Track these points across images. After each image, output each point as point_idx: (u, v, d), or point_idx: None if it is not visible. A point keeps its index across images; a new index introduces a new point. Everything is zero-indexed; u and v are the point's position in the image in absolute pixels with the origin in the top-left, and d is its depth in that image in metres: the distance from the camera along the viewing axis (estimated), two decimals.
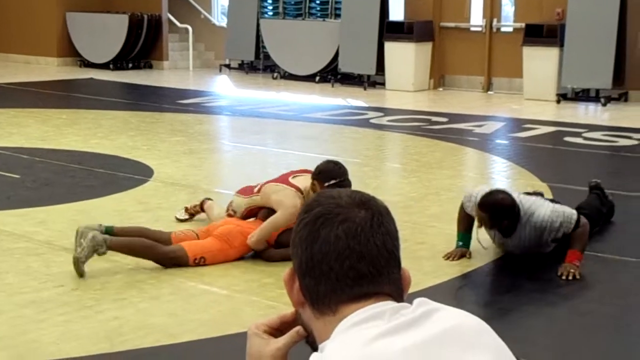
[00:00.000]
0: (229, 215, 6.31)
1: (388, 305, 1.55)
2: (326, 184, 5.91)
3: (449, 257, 6.05)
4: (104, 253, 5.60)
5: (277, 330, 1.71)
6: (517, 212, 5.77)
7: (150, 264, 5.72)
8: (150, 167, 8.75)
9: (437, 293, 5.47)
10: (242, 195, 6.31)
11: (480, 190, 6.04)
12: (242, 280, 5.61)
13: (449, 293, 5.55)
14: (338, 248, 1.56)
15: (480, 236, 6.05)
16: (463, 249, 6.13)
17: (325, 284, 1.56)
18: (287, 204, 5.91)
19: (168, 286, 5.46)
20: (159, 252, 5.71)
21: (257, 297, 5.27)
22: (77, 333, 4.70)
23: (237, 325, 4.82)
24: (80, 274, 5.49)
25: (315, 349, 1.64)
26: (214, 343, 4.65)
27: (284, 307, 4.92)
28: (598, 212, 6.62)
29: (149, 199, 7.56)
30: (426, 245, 6.32)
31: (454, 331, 1.52)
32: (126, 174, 8.49)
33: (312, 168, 6.06)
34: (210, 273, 5.68)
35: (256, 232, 5.90)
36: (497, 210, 5.74)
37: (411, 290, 4.97)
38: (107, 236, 5.69)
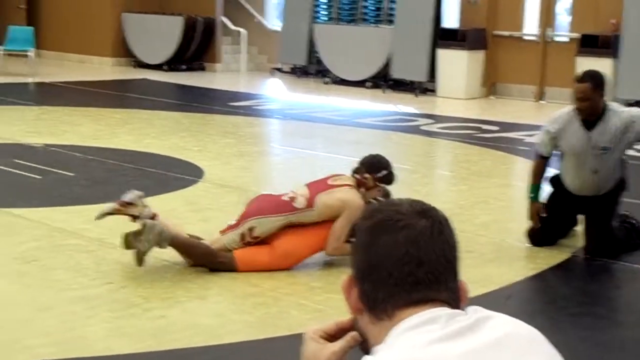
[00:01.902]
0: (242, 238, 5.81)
1: (444, 311, 1.56)
2: (378, 175, 5.97)
3: (533, 227, 6.36)
4: (164, 247, 5.58)
5: (332, 337, 1.73)
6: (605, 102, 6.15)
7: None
8: (201, 167, 8.81)
9: (484, 302, 5.44)
10: (268, 215, 5.80)
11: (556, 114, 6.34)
12: (289, 283, 5.63)
13: (496, 302, 5.51)
14: (397, 254, 1.57)
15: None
16: (536, 204, 6.32)
17: (383, 290, 1.58)
18: (354, 202, 5.81)
19: (215, 287, 5.50)
20: (215, 261, 5.67)
21: (305, 301, 5.28)
22: (125, 330, 4.75)
23: (284, 328, 4.85)
24: (140, 264, 5.54)
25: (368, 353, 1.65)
26: (260, 345, 4.67)
27: (331, 311, 4.96)
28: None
29: (198, 200, 7.61)
30: (475, 254, 6.29)
31: (508, 339, 1.53)
32: (177, 174, 8.56)
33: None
34: (258, 275, 5.70)
35: (332, 242, 5.80)
36: (597, 77, 6.06)
37: None
38: (173, 233, 5.65)
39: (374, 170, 5.99)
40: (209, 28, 18.61)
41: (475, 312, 1.57)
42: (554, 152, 6.40)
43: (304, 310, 5.13)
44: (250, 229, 5.80)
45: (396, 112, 13.73)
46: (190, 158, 9.31)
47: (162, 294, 5.30)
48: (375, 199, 5.93)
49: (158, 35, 18.40)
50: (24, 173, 8.28)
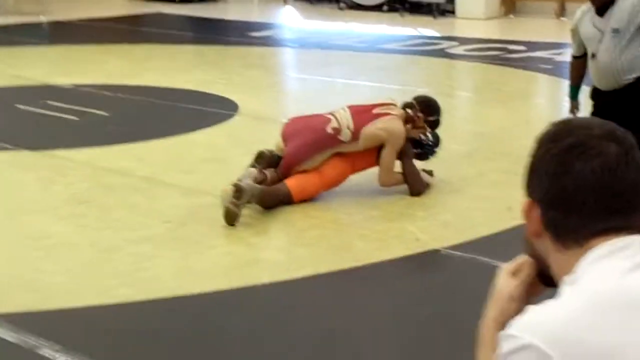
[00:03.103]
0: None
1: (636, 238, 1.53)
2: (430, 118, 6.00)
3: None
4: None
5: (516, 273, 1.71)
6: None
7: None
8: (234, 100, 8.72)
9: None
10: (314, 154, 5.77)
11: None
12: (347, 214, 5.59)
13: None
14: (593, 182, 1.53)
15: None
16: (575, 102, 6.36)
17: (576, 218, 1.55)
18: (396, 131, 5.82)
19: (274, 221, 5.46)
20: (276, 200, 5.60)
21: (366, 231, 5.25)
22: (193, 269, 4.73)
23: (350, 259, 4.83)
24: (232, 224, 5.28)
25: (547, 281, 1.63)
26: (329, 278, 4.64)
27: (394, 240, 4.93)
28: None
29: (239, 133, 7.56)
30: None
31: None
32: (211, 108, 8.48)
33: (395, 99, 6.06)
34: (315, 207, 5.67)
35: (383, 175, 5.83)
36: None
37: (520, 222, 4.92)
38: (260, 187, 5.52)
39: (428, 112, 6.04)
40: None
41: None
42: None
43: (368, 240, 5.11)
44: (303, 170, 5.79)
45: (417, 35, 13.56)
46: (220, 91, 9.21)
47: (222, 231, 5.26)
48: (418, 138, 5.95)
49: None
50: (59, 114, 8.21)
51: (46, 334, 3.96)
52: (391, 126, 5.84)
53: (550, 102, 9.07)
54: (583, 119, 1.64)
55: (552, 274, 1.61)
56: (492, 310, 1.73)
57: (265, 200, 5.54)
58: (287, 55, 12.81)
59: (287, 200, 5.62)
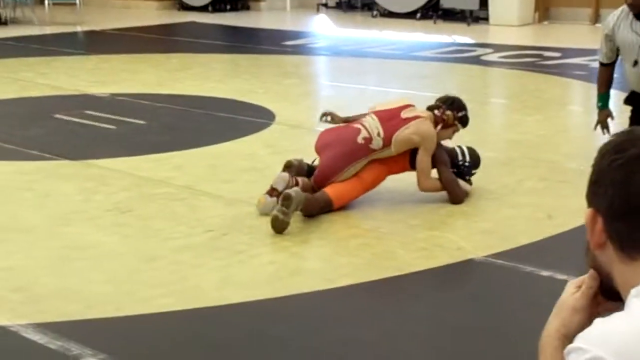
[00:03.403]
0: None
1: None
2: (459, 114, 6.04)
3: (597, 126, 6.38)
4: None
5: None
6: None
7: None
8: (271, 110, 8.75)
9: (585, 233, 5.40)
10: (348, 166, 5.77)
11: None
12: (388, 222, 5.58)
13: None
14: None
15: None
16: (605, 111, 6.37)
17: None
18: (428, 134, 5.82)
19: (316, 230, 5.46)
20: (317, 207, 5.61)
21: (408, 239, 5.25)
22: (236, 278, 4.74)
23: (393, 268, 4.83)
24: (281, 232, 5.28)
25: (609, 294, 1.62)
26: (373, 287, 4.64)
27: (436, 249, 4.93)
28: None
29: (276, 142, 7.58)
30: (568, 184, 6.22)
31: None
32: (249, 117, 8.51)
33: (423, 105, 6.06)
34: (355, 216, 5.68)
35: (422, 180, 5.82)
36: None
37: (561, 230, 4.83)
38: (305, 194, 5.50)
39: (456, 109, 6.05)
40: None
41: None
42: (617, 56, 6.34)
43: (409, 249, 5.10)
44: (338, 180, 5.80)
45: (452, 42, 13.55)
46: (257, 100, 9.24)
47: (264, 240, 5.28)
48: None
49: None
50: (97, 124, 8.27)
51: (90, 343, 3.99)
52: (422, 129, 5.84)
53: (586, 109, 9.00)
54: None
55: (616, 287, 1.60)
56: (554, 322, 1.72)
57: (309, 208, 5.55)
58: (321, 63, 12.83)
59: (327, 207, 5.63)
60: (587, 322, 1.56)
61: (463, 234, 5.32)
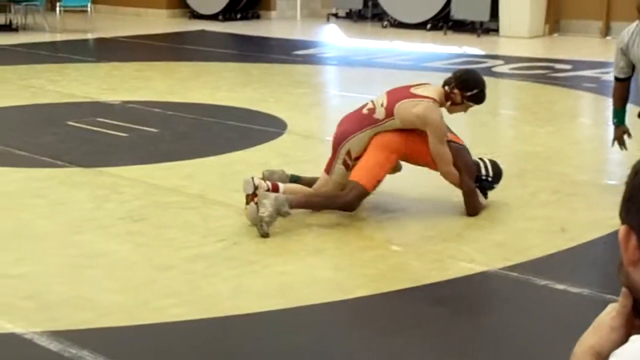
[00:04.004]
0: (346, 166, 5.82)
1: None
2: (468, 94, 5.83)
3: (615, 142, 6.30)
4: (287, 213, 5.41)
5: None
6: None
7: (302, 216, 5.72)
8: (282, 119, 8.74)
9: (597, 247, 5.39)
10: (355, 133, 5.78)
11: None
12: (402, 233, 5.58)
13: (611, 246, 5.44)
14: None
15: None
16: (622, 127, 6.29)
17: None
18: (433, 121, 5.66)
19: (329, 239, 5.45)
20: (341, 201, 5.61)
21: (423, 251, 5.23)
22: (249, 288, 4.73)
23: (409, 280, 4.81)
24: (264, 234, 5.34)
25: None
26: (388, 299, 4.63)
27: (450, 260, 4.92)
28: None
29: (289, 152, 7.57)
30: (579, 197, 6.21)
31: None
32: (261, 126, 8.51)
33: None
34: (369, 227, 5.67)
35: (442, 166, 5.70)
36: None
37: (574, 243, 4.81)
38: (289, 196, 5.53)
39: (465, 88, 5.81)
40: None
41: None
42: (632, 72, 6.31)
43: (425, 261, 5.09)
44: (348, 153, 5.78)
45: (462, 54, 13.54)
46: (269, 110, 9.23)
47: (277, 249, 5.27)
48: None
49: None
50: (109, 131, 8.27)
51: (104, 352, 3.98)
52: (428, 116, 5.65)
53: (596, 122, 9.02)
54: None
55: None
56: (589, 339, 1.69)
57: (314, 207, 5.67)
58: (332, 73, 12.84)
59: (359, 193, 5.59)
60: (623, 341, 1.55)
61: (477, 247, 5.31)
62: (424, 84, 5.97)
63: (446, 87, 5.85)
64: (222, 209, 6.00)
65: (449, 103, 5.84)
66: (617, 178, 6.49)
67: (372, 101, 5.91)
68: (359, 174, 5.66)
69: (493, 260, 5.07)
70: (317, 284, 4.79)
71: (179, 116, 9.03)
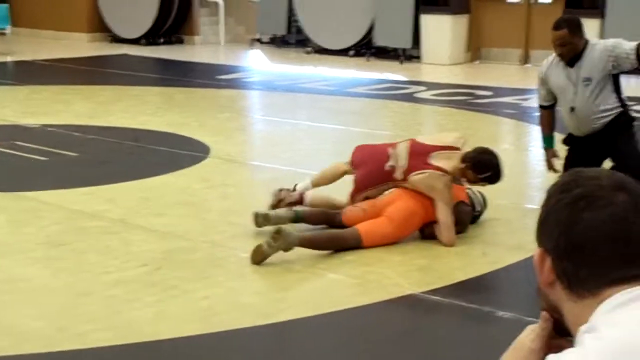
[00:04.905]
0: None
1: None
2: (480, 176, 5.94)
3: (550, 168, 6.46)
4: (290, 249, 5.38)
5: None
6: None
7: (225, 241, 5.70)
8: (206, 143, 8.69)
9: (521, 270, 5.45)
10: (376, 185, 6.01)
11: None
12: (324, 257, 5.55)
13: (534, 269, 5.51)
14: (603, 233, 1.54)
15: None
16: (550, 150, 6.49)
17: (587, 268, 1.55)
18: (440, 193, 5.80)
19: (248, 264, 5.39)
20: (341, 244, 5.60)
21: (342, 276, 5.24)
22: (170, 313, 4.68)
23: (329, 303, 4.80)
24: (257, 263, 5.30)
25: (561, 331, 1.62)
26: (311, 322, 4.61)
27: (370, 285, 4.91)
28: None
29: (212, 176, 7.52)
30: (500, 222, 6.29)
31: None
32: (183, 151, 8.45)
33: (461, 141, 6.11)
34: (293, 253, 5.64)
35: (444, 233, 5.74)
36: (573, 22, 6.13)
37: (500, 265, 4.88)
38: (299, 235, 5.49)
39: (478, 170, 5.93)
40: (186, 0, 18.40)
41: None
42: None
43: (345, 285, 5.08)
44: (365, 197, 6.01)
45: (385, 79, 13.64)
46: (192, 134, 9.17)
47: (198, 274, 5.23)
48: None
49: (134, 9, 18.12)
50: (27, 155, 8.14)
51: None
52: (435, 186, 5.81)
53: (518, 147, 9.15)
54: (591, 170, 1.65)
55: (567, 324, 1.61)
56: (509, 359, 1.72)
57: (320, 247, 5.59)
58: (255, 98, 12.83)
59: (356, 244, 5.63)
60: None
61: (400, 270, 5.32)
62: (449, 148, 6.03)
63: (462, 165, 5.91)
64: (143, 234, 5.94)
65: (464, 179, 6.01)
66: (538, 202, 6.56)
67: (396, 152, 6.02)
68: (369, 234, 5.69)
69: (415, 284, 5.09)
70: (239, 309, 4.75)
71: (100, 140, 8.92)
